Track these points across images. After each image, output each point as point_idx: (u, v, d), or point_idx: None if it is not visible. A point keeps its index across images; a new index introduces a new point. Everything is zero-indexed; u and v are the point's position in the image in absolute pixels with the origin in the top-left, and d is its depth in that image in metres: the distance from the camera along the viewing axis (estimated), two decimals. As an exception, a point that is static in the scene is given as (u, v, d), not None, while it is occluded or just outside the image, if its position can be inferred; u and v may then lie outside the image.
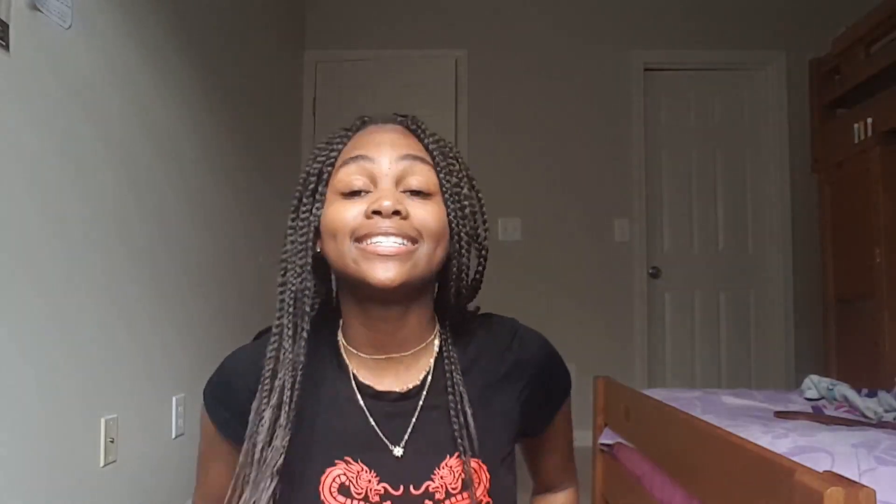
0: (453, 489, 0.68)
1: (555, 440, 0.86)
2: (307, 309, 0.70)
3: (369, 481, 0.68)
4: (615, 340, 3.65)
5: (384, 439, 0.70)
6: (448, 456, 0.69)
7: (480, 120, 3.74)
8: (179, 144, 2.26)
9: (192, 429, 2.29)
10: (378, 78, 3.75)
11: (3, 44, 1.41)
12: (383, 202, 0.64)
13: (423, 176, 0.68)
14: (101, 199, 1.80)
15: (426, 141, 0.71)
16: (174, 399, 2.17)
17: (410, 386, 0.72)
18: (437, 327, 0.75)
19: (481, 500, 0.69)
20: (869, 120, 2.64)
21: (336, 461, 0.69)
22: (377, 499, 0.68)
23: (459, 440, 0.69)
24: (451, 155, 0.72)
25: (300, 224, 0.70)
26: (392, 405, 0.71)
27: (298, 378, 0.68)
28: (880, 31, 2.62)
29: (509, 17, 3.80)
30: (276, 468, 0.65)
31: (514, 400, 0.76)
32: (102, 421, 1.77)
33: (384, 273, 0.63)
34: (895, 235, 2.54)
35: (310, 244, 0.70)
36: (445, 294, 0.74)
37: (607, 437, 1.82)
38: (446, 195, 0.69)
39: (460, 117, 3.72)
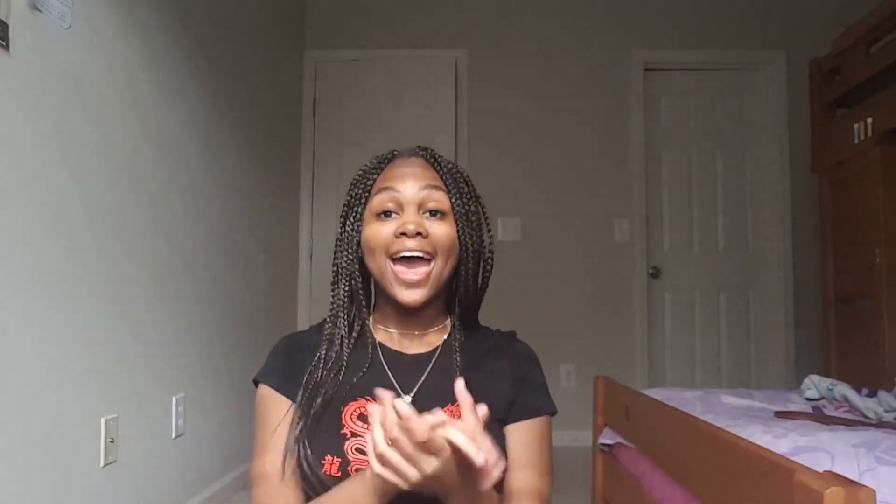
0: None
1: (525, 454, 0.87)
2: (353, 298, 0.92)
3: None
4: (615, 340, 3.65)
5: (398, 388, 0.88)
6: (450, 404, 0.82)
7: (480, 120, 3.74)
8: (179, 144, 2.26)
9: (192, 429, 2.29)
10: (378, 78, 3.75)
11: (3, 44, 1.41)
12: (408, 226, 0.86)
13: (438, 200, 0.90)
14: (101, 199, 1.80)
15: (441, 172, 0.91)
16: (174, 399, 2.17)
17: (423, 351, 0.93)
18: (450, 318, 0.97)
19: None
20: (869, 120, 2.64)
21: (358, 398, 0.86)
22: None
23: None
24: (461, 180, 0.93)
25: (347, 237, 0.92)
26: (407, 364, 0.91)
27: (346, 349, 0.90)
28: (880, 31, 2.63)
29: (509, 17, 3.80)
30: (318, 408, 0.85)
31: (510, 377, 0.92)
32: (102, 421, 1.77)
33: (410, 297, 0.87)
34: (895, 235, 2.54)
35: (356, 253, 0.92)
36: (457, 290, 0.94)
37: (607, 437, 1.82)
38: (456, 215, 0.90)
39: (460, 117, 3.72)
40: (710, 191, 3.80)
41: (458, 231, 0.90)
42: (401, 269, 0.87)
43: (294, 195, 3.67)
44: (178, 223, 2.24)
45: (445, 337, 0.94)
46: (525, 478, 0.87)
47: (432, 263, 0.88)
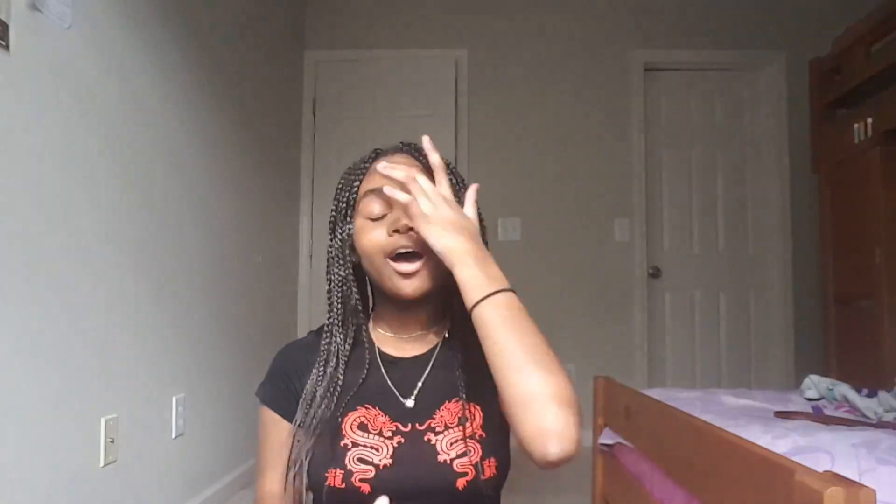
0: (451, 423, 0.87)
1: None
2: (349, 309, 0.92)
3: (383, 422, 0.87)
4: (615, 340, 3.65)
5: (398, 394, 0.90)
6: (447, 401, 0.88)
7: (480, 120, 3.74)
8: (179, 144, 2.26)
9: (192, 429, 2.29)
10: (378, 78, 3.75)
11: (3, 44, 1.41)
12: (400, 222, 0.85)
13: None
14: (101, 199, 1.80)
15: (426, 164, 0.89)
16: (174, 399, 2.17)
17: (421, 353, 0.93)
18: (448, 316, 0.96)
19: (475, 432, 0.86)
20: (869, 120, 2.64)
21: (357, 407, 0.88)
22: (389, 434, 0.86)
23: (460, 384, 0.88)
24: (447, 171, 0.90)
25: (338, 243, 0.92)
26: (405, 369, 0.92)
27: (342, 365, 0.90)
28: (880, 31, 2.63)
29: (509, 17, 3.80)
30: (317, 425, 0.87)
31: None
32: (102, 421, 1.77)
33: (410, 286, 0.87)
34: (895, 235, 2.54)
35: (348, 257, 0.91)
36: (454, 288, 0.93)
37: (607, 437, 1.82)
38: None
39: (460, 117, 3.72)
40: (710, 191, 3.80)
41: None
42: (397, 264, 0.87)
43: (294, 195, 3.67)
44: (178, 223, 2.24)
45: (443, 337, 0.95)
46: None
47: (423, 256, 0.88)
